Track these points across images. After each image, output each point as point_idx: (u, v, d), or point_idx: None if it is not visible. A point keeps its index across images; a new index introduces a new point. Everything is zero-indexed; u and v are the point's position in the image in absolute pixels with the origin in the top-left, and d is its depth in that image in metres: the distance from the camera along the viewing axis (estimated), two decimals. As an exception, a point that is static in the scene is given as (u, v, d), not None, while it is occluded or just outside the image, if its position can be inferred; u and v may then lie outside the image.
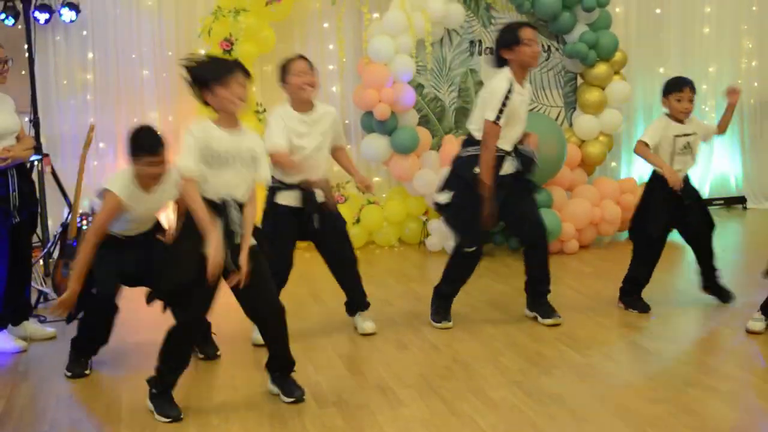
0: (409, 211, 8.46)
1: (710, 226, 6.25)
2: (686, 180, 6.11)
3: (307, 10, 8.65)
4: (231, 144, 4.42)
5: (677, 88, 6.07)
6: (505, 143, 5.78)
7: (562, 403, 4.52)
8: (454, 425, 4.26)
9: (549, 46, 8.93)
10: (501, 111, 5.61)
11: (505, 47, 5.74)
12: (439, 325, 5.97)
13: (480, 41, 8.79)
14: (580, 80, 8.95)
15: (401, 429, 4.24)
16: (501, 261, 7.85)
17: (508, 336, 5.72)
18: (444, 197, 5.87)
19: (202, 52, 8.29)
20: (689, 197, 6.09)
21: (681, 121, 6.04)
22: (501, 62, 5.84)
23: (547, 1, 8.44)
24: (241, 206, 4.46)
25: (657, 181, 6.10)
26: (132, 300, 5.28)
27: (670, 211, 6.06)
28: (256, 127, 8.11)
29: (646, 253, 6.24)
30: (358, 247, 8.26)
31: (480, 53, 8.79)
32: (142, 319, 5.87)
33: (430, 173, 8.10)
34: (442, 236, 8.12)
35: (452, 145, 8.19)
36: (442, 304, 6.06)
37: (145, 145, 4.82)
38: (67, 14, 8.15)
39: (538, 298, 6.04)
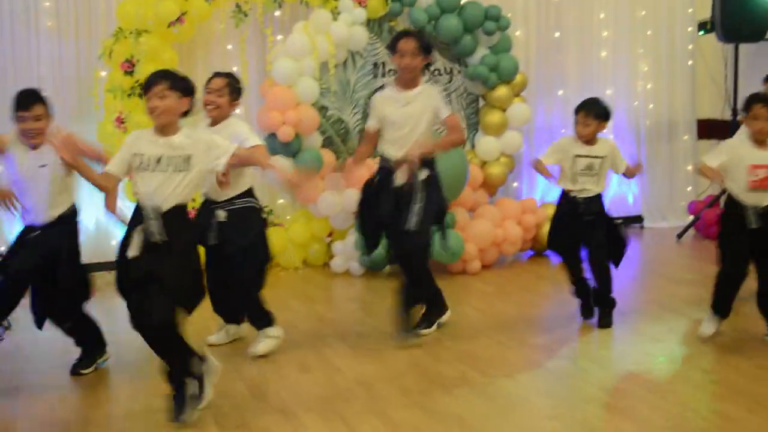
0: (313, 233, 8.42)
1: (601, 247, 6.27)
2: (589, 200, 6.21)
3: (210, 31, 8.51)
4: (158, 149, 4.58)
5: (575, 111, 6.27)
6: (390, 148, 6.01)
7: (463, 422, 4.59)
8: (356, 447, 4.29)
9: (451, 69, 8.98)
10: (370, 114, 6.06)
11: (391, 54, 6.08)
12: (444, 317, 6.36)
13: (384, 63, 8.80)
14: (481, 102, 9.01)
15: (303, 453, 4.25)
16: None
17: (411, 357, 5.76)
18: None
19: (104, 74, 8.21)
20: (589, 215, 6.20)
21: (587, 142, 6.19)
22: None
23: (449, 24, 8.52)
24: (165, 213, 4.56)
25: (560, 198, 6.37)
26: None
27: (569, 229, 6.25)
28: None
29: (565, 266, 6.46)
30: None
31: (384, 75, 8.81)
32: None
33: (334, 195, 8.11)
34: (346, 257, 8.15)
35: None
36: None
37: (20, 101, 5.07)
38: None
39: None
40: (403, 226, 5.85)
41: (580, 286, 6.43)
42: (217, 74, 5.95)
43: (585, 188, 6.19)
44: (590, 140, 6.19)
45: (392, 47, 6.11)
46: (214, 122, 5.83)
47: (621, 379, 5.42)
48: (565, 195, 6.29)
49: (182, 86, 4.80)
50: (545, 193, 9.46)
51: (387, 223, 6.07)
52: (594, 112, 6.17)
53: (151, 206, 4.53)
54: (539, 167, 6.29)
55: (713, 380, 5.27)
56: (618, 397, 5.06)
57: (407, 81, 6.08)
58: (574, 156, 6.18)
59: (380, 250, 7.45)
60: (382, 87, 6.04)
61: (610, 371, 5.63)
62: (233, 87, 5.92)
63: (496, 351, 5.92)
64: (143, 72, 7.92)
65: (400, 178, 5.94)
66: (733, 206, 5.85)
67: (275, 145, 8.12)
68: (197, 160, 4.66)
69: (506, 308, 7.03)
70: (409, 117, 6.05)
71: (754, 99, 5.75)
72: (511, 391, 5.17)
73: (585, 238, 6.26)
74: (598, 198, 6.26)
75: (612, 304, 6.40)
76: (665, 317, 6.59)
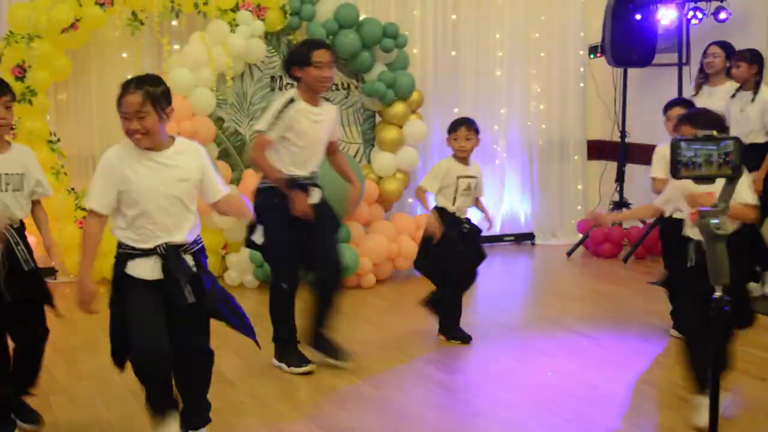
0: (208, 245, 8.15)
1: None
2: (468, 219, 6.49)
3: (105, 39, 8.42)
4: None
5: (452, 128, 6.35)
6: (300, 168, 5.64)
7: (355, 436, 4.60)
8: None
9: (348, 84, 9.03)
10: (273, 123, 5.49)
11: (296, 65, 5.61)
12: (300, 369, 5.65)
13: (281, 77, 8.81)
14: (378, 118, 9.06)
15: (193, 467, 4.20)
16: (298, 295, 7.81)
17: None
18: (259, 236, 5.63)
19: (-7, 77, 8.06)
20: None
21: (464, 162, 6.33)
22: (294, 79, 5.80)
23: (347, 40, 8.55)
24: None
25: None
26: None
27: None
28: (49, 158, 7.90)
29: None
30: None
31: (281, 88, 8.80)
32: None
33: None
34: (241, 270, 8.10)
35: (252, 179, 8.20)
36: (289, 349, 5.78)
37: None
38: None
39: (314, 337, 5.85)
40: (329, 256, 5.85)
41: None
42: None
43: (461, 207, 6.40)
44: (467, 159, 6.36)
45: (303, 59, 5.62)
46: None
47: (511, 394, 5.46)
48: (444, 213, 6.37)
49: None
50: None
51: (302, 249, 5.87)
52: (474, 126, 6.32)
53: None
54: (420, 196, 6.54)
55: (600, 395, 5.37)
56: (508, 411, 5.11)
57: (317, 97, 5.77)
58: (456, 177, 6.30)
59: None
60: (291, 100, 5.58)
61: (501, 385, 5.66)
62: None
63: (389, 364, 5.96)
64: (35, 78, 7.87)
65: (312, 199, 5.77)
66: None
67: (170, 155, 8.07)
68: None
69: (399, 322, 7.07)
70: (318, 134, 5.76)
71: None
72: (402, 404, 5.22)
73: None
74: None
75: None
76: (555, 332, 6.69)
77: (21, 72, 7.90)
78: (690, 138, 3.34)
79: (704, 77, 7.94)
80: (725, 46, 7.83)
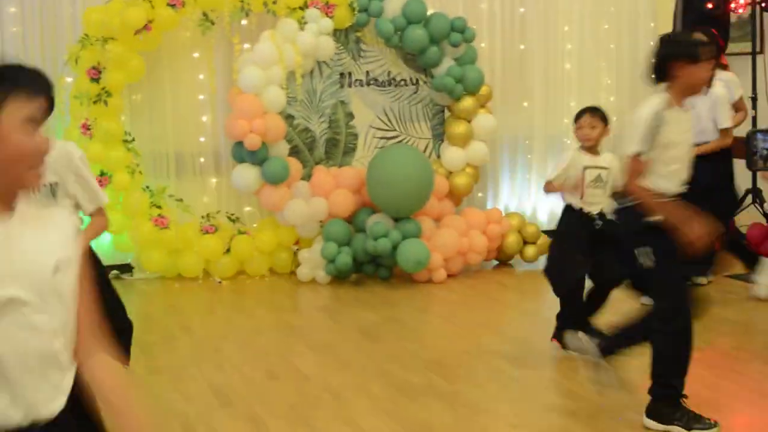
0: (280, 241, 8.43)
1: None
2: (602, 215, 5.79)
3: (177, 39, 8.51)
4: None
5: (576, 117, 6.02)
6: (673, 183, 4.73)
7: (431, 429, 4.62)
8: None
9: (417, 79, 9.04)
10: (646, 141, 4.60)
11: (681, 60, 4.62)
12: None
13: (350, 73, 8.86)
14: (447, 113, 9.05)
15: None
16: (370, 290, 7.91)
17: (378, 365, 5.79)
18: (646, 258, 4.66)
19: (69, 80, 8.20)
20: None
21: (591, 152, 5.84)
22: (661, 77, 4.78)
23: (415, 35, 8.56)
24: None
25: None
26: None
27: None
28: (124, 157, 8.05)
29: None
30: (228, 277, 8.33)
31: (350, 85, 8.86)
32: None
33: (300, 203, 8.15)
34: (313, 266, 8.15)
35: (322, 175, 8.29)
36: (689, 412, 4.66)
37: None
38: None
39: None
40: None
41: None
42: None
43: (593, 202, 5.84)
44: (595, 149, 5.87)
45: (691, 54, 4.62)
46: None
47: (583, 387, 5.45)
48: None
49: None
50: (510, 204, 9.54)
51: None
52: (599, 114, 5.90)
53: None
54: (551, 188, 5.99)
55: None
56: (581, 403, 5.12)
57: (686, 100, 4.88)
58: (583, 168, 5.81)
59: (347, 259, 7.51)
60: (660, 108, 4.67)
61: (574, 380, 5.62)
62: None
63: (462, 359, 5.98)
64: (110, 79, 8.00)
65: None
66: None
67: (243, 153, 8.17)
68: None
69: (471, 317, 7.09)
70: (689, 141, 5.00)
71: None
72: (475, 399, 5.23)
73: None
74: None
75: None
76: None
77: (96, 74, 8.03)
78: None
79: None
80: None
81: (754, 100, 8.80)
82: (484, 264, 8.57)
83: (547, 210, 9.64)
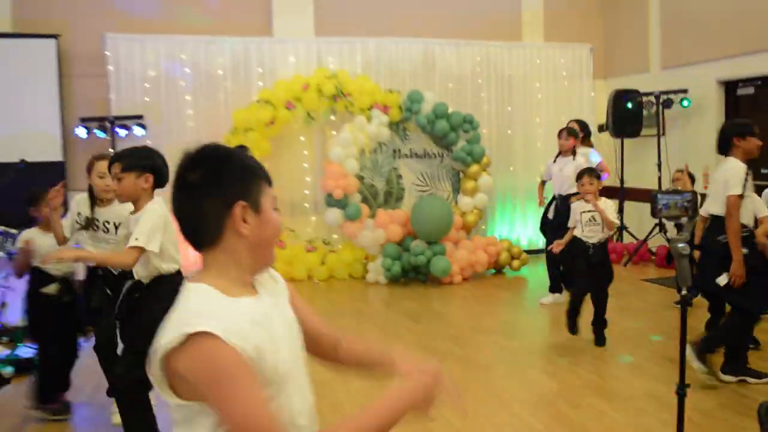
0: (355, 257, 8.43)
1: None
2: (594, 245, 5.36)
3: (291, 128, 8.56)
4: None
5: (577, 177, 5.52)
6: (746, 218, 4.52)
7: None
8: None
9: (442, 153, 8.97)
10: (743, 186, 4.42)
11: (739, 136, 4.53)
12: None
13: (399, 150, 8.85)
14: (461, 175, 8.97)
15: None
16: (413, 289, 7.83)
17: (418, 338, 5.73)
18: (723, 279, 4.40)
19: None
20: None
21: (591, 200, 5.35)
22: (726, 149, 4.59)
23: (441, 125, 8.58)
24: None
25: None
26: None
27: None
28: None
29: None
30: (323, 280, 8.30)
31: (399, 157, 8.85)
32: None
33: (368, 233, 8.18)
34: (376, 273, 8.12)
35: (382, 215, 8.30)
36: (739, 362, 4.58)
37: None
38: (138, 130, 8.05)
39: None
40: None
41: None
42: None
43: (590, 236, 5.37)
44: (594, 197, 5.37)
45: (744, 132, 4.56)
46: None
47: (555, 353, 5.43)
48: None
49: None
50: (501, 232, 9.51)
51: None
52: (594, 173, 5.45)
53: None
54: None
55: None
56: (554, 365, 5.10)
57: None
58: (580, 212, 5.36)
59: (398, 269, 7.55)
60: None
61: (546, 348, 5.59)
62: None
63: (471, 334, 5.93)
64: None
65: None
66: None
67: (332, 200, 8.23)
68: None
69: (477, 306, 7.05)
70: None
71: None
72: (479, 360, 5.17)
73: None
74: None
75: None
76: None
77: None
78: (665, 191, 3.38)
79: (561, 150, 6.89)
80: (580, 123, 7.19)
81: (659, 165, 8.77)
82: (485, 272, 8.49)
83: (526, 237, 9.65)
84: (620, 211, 9.45)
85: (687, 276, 3.07)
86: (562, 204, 6.57)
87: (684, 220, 3.42)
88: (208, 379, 1.34)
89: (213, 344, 1.33)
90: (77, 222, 3.92)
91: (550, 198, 7.14)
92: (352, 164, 8.30)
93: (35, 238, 4.19)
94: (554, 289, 6.88)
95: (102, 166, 3.81)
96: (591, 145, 7.36)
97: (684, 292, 3.07)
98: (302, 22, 8.78)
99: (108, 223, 3.88)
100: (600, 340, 5.42)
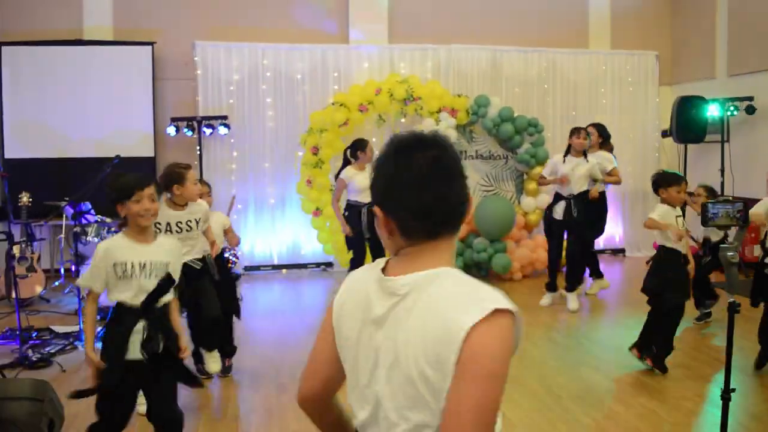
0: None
1: None
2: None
3: (363, 129, 8.77)
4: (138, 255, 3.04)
5: (674, 183, 4.96)
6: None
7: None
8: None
9: (507, 155, 9.08)
10: None
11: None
12: None
13: (466, 151, 8.93)
14: (525, 176, 9.07)
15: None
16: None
17: None
18: None
19: (300, 154, 8.69)
20: None
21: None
22: None
23: (506, 128, 8.72)
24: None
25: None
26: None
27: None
28: (330, 199, 8.53)
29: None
30: None
31: (466, 159, 8.87)
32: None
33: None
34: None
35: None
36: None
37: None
38: (223, 129, 8.54)
39: None
40: None
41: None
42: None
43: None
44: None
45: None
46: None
47: (611, 351, 5.55)
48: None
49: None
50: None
51: None
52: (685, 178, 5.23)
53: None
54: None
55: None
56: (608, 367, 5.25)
57: None
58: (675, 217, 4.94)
59: (461, 264, 7.68)
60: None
61: (601, 346, 5.71)
62: None
63: (528, 324, 5.99)
64: (323, 154, 8.37)
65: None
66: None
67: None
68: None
69: (535, 301, 7.06)
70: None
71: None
72: (528, 348, 5.39)
73: None
74: None
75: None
76: (637, 313, 6.41)
77: (316, 150, 8.46)
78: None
79: (571, 150, 6.79)
80: (598, 127, 7.14)
81: (722, 171, 8.76)
82: (544, 270, 8.51)
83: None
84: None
85: (736, 284, 3.23)
86: (578, 203, 6.61)
87: (733, 229, 3.54)
88: (498, 356, 1.30)
89: (510, 322, 1.33)
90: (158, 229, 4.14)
91: (554, 196, 7.03)
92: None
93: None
94: (551, 288, 6.99)
95: (193, 174, 4.29)
96: (611, 149, 7.28)
97: (732, 299, 3.23)
98: (376, 29, 9.10)
99: (190, 222, 4.33)
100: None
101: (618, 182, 7.13)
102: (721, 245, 3.31)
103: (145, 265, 3.02)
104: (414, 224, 1.41)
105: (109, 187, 3.07)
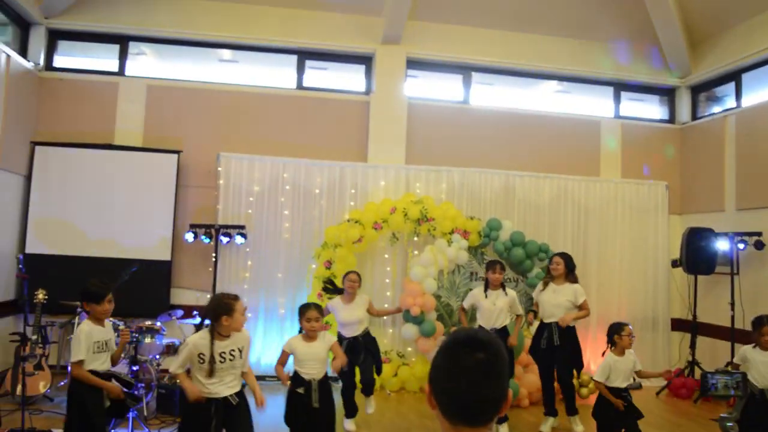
0: (427, 371, 8.41)
1: None
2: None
3: (376, 246, 8.92)
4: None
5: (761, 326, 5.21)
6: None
7: None
8: None
9: (517, 279, 9.10)
10: None
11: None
12: None
13: (477, 272, 8.95)
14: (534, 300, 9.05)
15: None
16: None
17: None
18: None
19: (313, 266, 8.72)
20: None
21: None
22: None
23: (517, 253, 8.79)
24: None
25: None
26: None
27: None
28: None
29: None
30: (394, 391, 8.40)
31: (476, 280, 8.90)
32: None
33: (441, 350, 8.28)
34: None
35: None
36: None
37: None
38: (239, 239, 8.66)
39: None
40: None
41: None
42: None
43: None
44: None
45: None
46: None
47: None
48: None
49: None
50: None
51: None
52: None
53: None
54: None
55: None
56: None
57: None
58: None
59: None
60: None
61: None
62: None
63: None
64: (336, 268, 8.38)
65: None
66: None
67: (409, 316, 8.41)
68: None
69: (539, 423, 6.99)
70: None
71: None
72: None
73: None
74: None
75: None
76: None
77: (329, 264, 8.48)
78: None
79: (551, 278, 7.09)
80: (565, 257, 7.09)
81: (732, 305, 8.66)
82: None
83: (597, 365, 9.48)
84: (692, 346, 9.29)
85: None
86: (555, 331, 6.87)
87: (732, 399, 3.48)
88: None
89: None
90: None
91: (538, 324, 7.13)
92: (431, 283, 8.50)
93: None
94: (549, 413, 6.97)
95: (241, 305, 4.28)
96: (575, 281, 7.11)
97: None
98: (395, 151, 9.32)
99: (234, 351, 4.26)
100: None
101: (586, 315, 7.01)
102: (721, 416, 3.29)
103: None
104: (455, 412, 1.52)
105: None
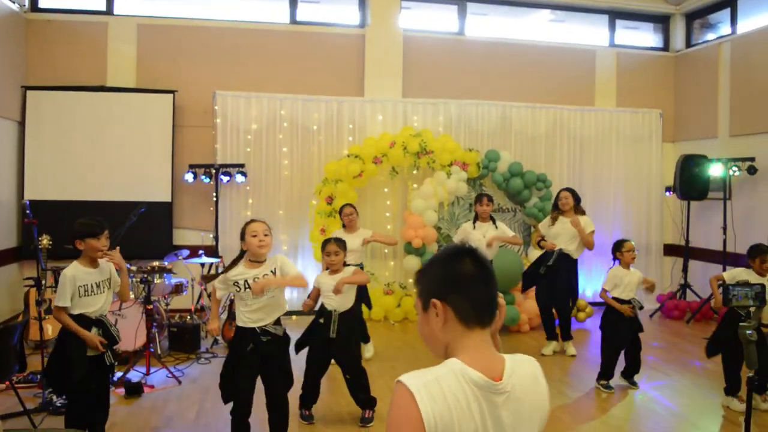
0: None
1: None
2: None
3: (376, 181, 8.96)
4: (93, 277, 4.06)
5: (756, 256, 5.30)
6: None
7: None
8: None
9: (515, 208, 9.22)
10: None
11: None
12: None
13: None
14: (533, 229, 9.18)
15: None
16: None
17: None
18: None
19: (314, 203, 8.74)
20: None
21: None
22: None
23: (515, 183, 8.87)
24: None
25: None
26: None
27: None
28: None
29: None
30: (398, 321, 8.59)
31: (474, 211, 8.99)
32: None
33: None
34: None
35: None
36: None
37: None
38: (239, 177, 8.63)
39: None
40: None
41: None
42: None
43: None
44: None
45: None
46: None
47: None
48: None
49: None
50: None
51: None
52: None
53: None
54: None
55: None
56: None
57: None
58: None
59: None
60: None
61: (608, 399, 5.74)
62: None
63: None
64: (337, 203, 8.39)
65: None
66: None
67: (410, 248, 8.54)
68: None
69: (539, 348, 7.08)
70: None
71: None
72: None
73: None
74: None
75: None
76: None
77: (330, 200, 8.53)
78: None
79: (560, 212, 7.03)
80: (571, 191, 7.08)
81: (724, 229, 8.81)
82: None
83: (592, 289, 9.68)
84: (684, 269, 9.49)
85: (754, 360, 3.27)
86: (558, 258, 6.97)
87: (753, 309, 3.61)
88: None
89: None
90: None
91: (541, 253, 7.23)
92: (431, 216, 8.58)
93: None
94: (551, 337, 7.15)
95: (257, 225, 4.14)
96: (582, 212, 7.13)
97: (751, 374, 3.26)
98: (391, 84, 9.24)
99: (266, 275, 4.15)
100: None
101: (590, 246, 7.07)
102: (741, 323, 3.37)
103: None
104: (476, 314, 1.61)
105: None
